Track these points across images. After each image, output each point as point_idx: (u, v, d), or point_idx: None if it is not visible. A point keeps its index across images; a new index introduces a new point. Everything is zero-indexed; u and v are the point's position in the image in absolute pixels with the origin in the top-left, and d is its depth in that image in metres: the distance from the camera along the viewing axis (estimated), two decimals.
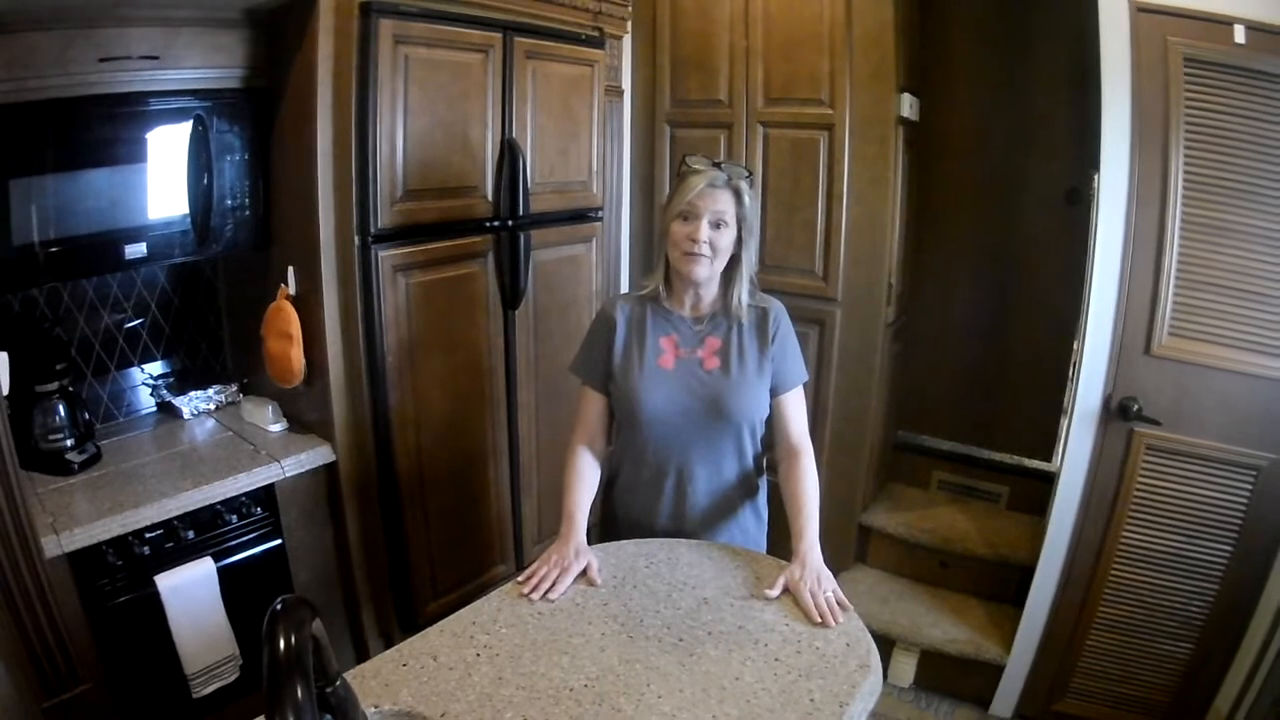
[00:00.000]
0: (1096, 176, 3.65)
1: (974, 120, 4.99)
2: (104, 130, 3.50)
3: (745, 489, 2.89)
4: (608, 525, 3.07)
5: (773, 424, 2.88)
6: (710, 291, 2.83)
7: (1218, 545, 3.68)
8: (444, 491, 4.09)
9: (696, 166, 2.73)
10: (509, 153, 4.00)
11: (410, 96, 3.60)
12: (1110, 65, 3.53)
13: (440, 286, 3.89)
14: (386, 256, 3.63)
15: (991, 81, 4.93)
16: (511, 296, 4.19)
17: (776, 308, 2.86)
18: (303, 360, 3.69)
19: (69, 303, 3.79)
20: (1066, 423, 4.00)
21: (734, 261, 2.77)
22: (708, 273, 2.73)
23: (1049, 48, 4.69)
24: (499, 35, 3.88)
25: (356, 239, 3.58)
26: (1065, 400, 4.27)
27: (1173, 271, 3.53)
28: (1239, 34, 3.33)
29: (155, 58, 3.56)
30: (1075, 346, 3.92)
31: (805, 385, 2.92)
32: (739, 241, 2.74)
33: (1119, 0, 3.47)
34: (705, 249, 2.66)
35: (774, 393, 2.81)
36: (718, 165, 2.73)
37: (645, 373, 2.76)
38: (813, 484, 2.75)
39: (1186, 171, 3.47)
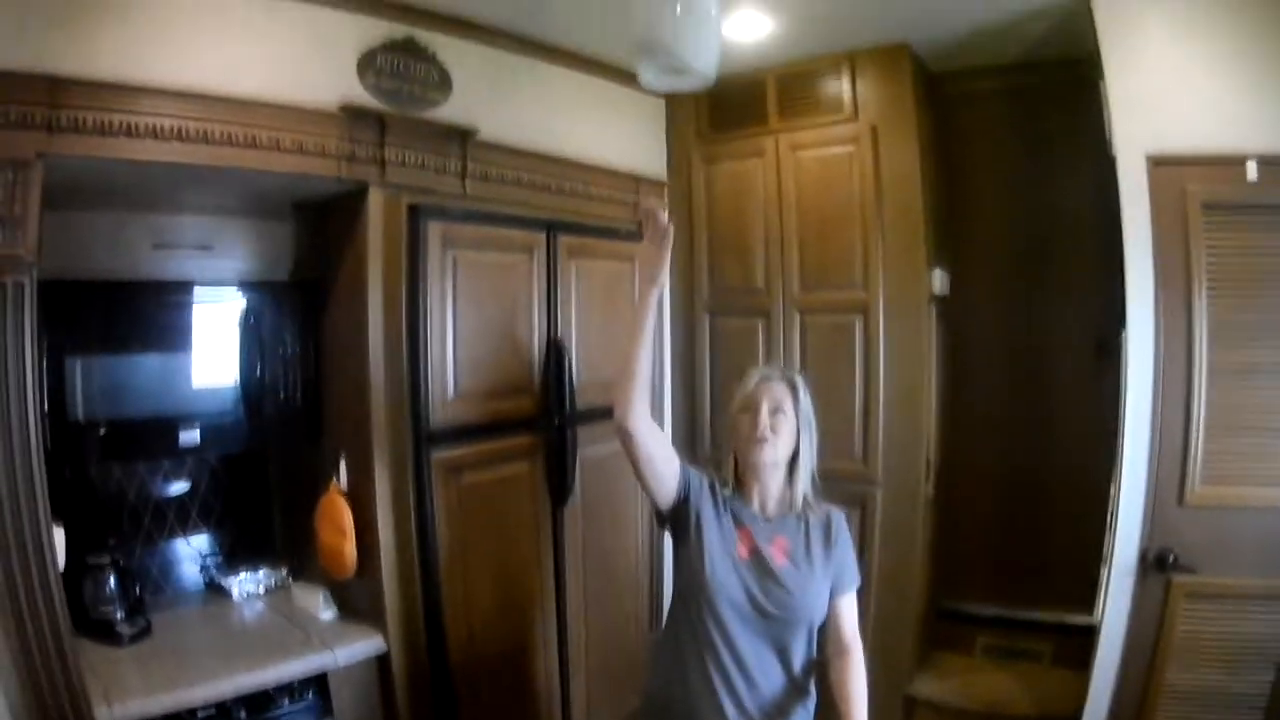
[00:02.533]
0: (1124, 329, 3.96)
1: (1003, 282, 5.40)
2: (157, 315, 3.97)
3: (798, 688, 3.07)
4: (651, 716, 3.26)
5: (826, 623, 3.15)
6: (776, 485, 3.17)
7: (1260, 677, 3.84)
8: (495, 679, 4.35)
9: (755, 368, 3.23)
10: (555, 351, 4.51)
11: (459, 297, 4.09)
12: (1130, 220, 3.92)
13: (490, 485, 4.30)
14: (439, 458, 4.06)
15: (1019, 243, 5.34)
16: (559, 493, 4.62)
17: (838, 515, 3.21)
18: (355, 554, 4.04)
19: (119, 473, 4.15)
20: (1106, 572, 4.18)
21: (795, 458, 3.15)
22: (772, 456, 3.10)
23: (1072, 206, 5.10)
24: (543, 235, 4.44)
25: (410, 440, 4.01)
26: (1105, 548, 4.44)
27: (1202, 419, 3.83)
28: (1251, 171, 3.74)
29: (208, 247, 4.09)
30: (1112, 492, 4.15)
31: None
32: (798, 437, 3.14)
33: (1135, 155, 3.93)
34: (766, 432, 3.06)
35: (831, 595, 3.11)
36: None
37: (723, 553, 3.05)
38: (863, 681, 3.05)
39: (1211, 316, 3.82)
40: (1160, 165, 3.93)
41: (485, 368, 4.25)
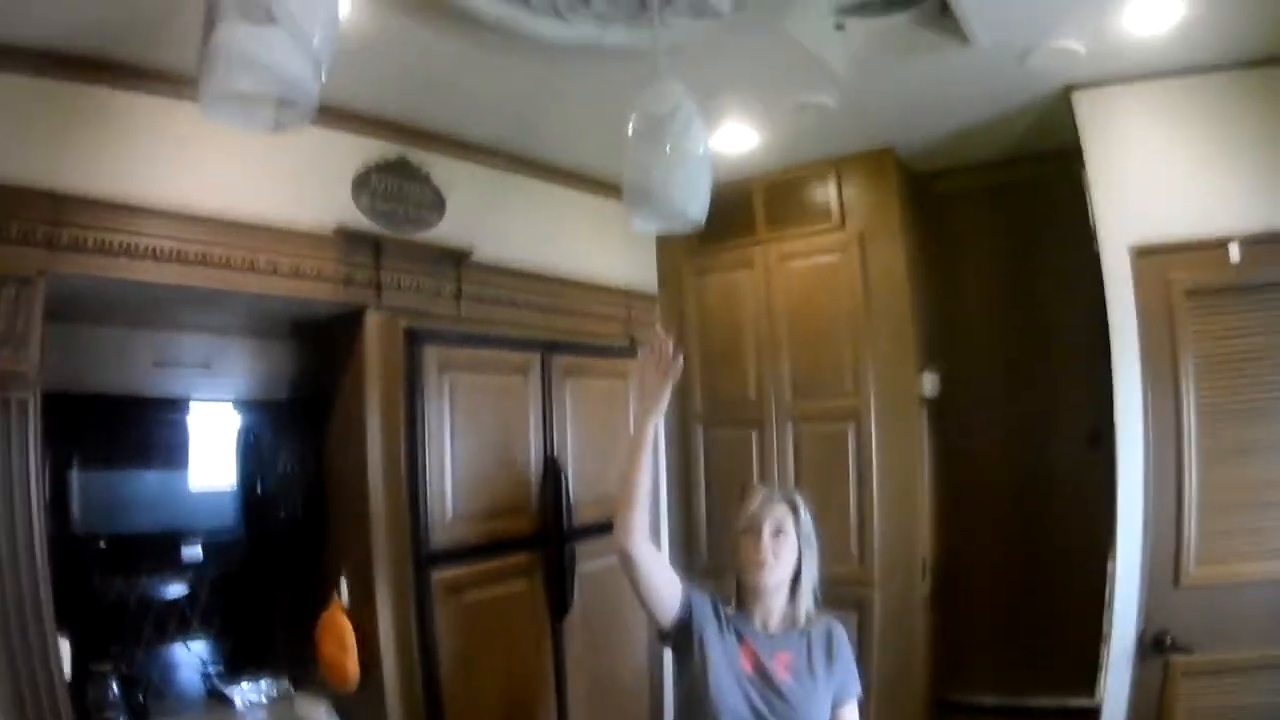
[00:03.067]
0: (1114, 416, 4.07)
1: (995, 375, 5.52)
2: (158, 431, 4.07)
3: None
4: None
5: None
6: (779, 603, 3.25)
7: None
8: None
9: (755, 487, 3.35)
10: (552, 470, 4.61)
11: (457, 419, 4.22)
12: (1116, 311, 4.08)
13: (491, 602, 4.38)
14: (440, 578, 4.15)
15: (1009, 336, 5.48)
16: (560, 608, 4.70)
17: (838, 627, 3.29)
18: (357, 669, 4.08)
19: (121, 582, 4.13)
20: (1106, 654, 4.23)
21: (798, 575, 3.24)
22: (774, 579, 3.19)
23: (1060, 296, 5.22)
24: (538, 356, 4.58)
25: (411, 560, 4.10)
26: (1104, 630, 4.47)
27: (1194, 501, 3.92)
28: (1234, 253, 3.87)
29: (208, 365, 4.20)
30: (1109, 569, 4.23)
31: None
32: (799, 556, 3.24)
33: (1119, 248, 4.09)
34: (769, 556, 3.15)
35: (833, 706, 3.19)
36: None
37: (726, 668, 3.12)
38: None
39: (1200, 400, 3.95)
40: (1144, 255, 4.09)
41: (484, 488, 4.36)
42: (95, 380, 3.89)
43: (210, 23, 2.00)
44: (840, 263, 5.22)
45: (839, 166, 5.23)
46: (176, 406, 4.18)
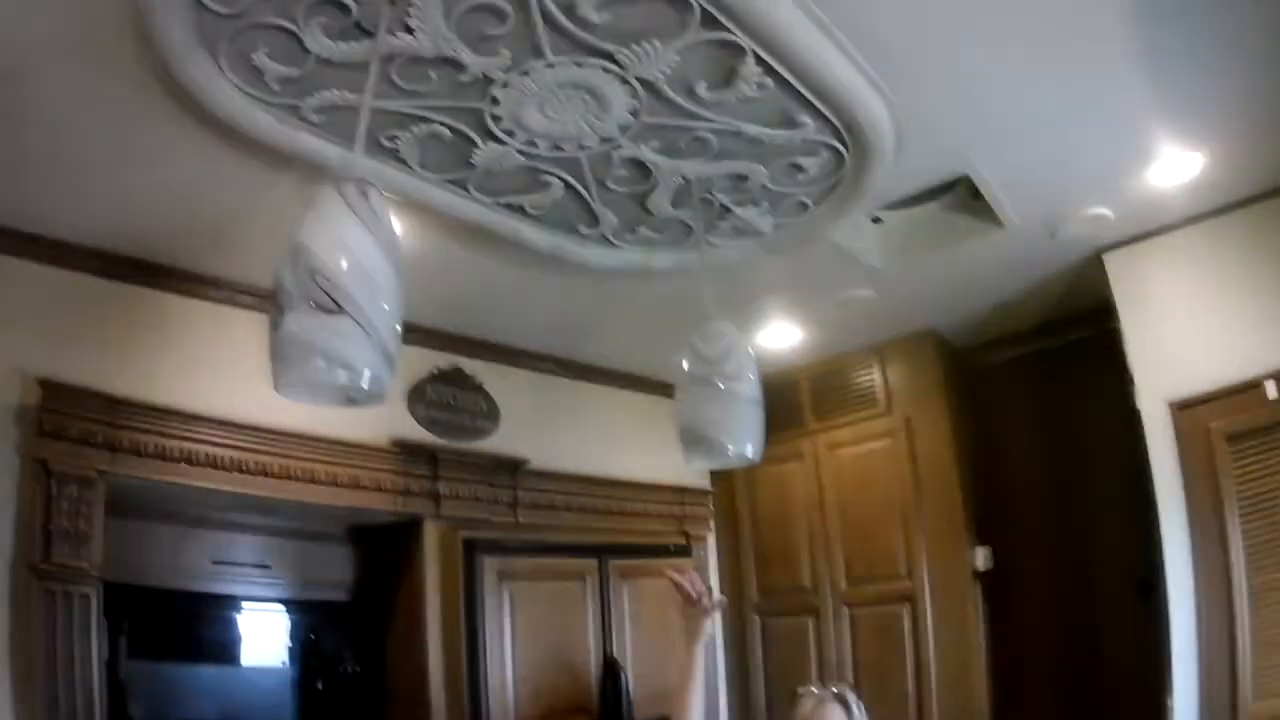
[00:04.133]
0: (1163, 566, 3.93)
1: (1043, 539, 5.30)
2: (215, 627, 4.02)
3: None
4: None
5: None
6: None
7: None
8: None
9: (805, 690, 3.21)
10: (611, 670, 4.50)
11: (517, 625, 4.14)
12: (1159, 465, 3.98)
13: None
14: None
15: (1055, 499, 5.30)
16: None
17: None
18: None
19: None
20: None
21: None
22: None
23: (1102, 453, 5.03)
24: (595, 561, 4.52)
25: None
26: None
27: (1248, 640, 3.73)
28: (1271, 390, 3.77)
29: (265, 566, 4.15)
30: (1168, 705, 4.01)
31: None
32: None
33: (1158, 404, 4.00)
34: None
35: None
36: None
37: None
38: None
39: (1247, 539, 3.78)
40: (1183, 409, 4.00)
41: (545, 690, 4.26)
42: (153, 574, 3.86)
43: (279, 310, 1.99)
44: (889, 448, 5.16)
45: (882, 352, 5.22)
46: (234, 604, 4.14)
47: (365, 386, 1.99)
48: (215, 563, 4.08)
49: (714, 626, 3.11)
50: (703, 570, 5.39)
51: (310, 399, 2.21)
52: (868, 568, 5.20)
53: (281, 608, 4.29)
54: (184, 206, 3.36)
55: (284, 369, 1.98)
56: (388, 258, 2.06)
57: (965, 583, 4.99)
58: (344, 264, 1.98)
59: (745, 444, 3.01)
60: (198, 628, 4.04)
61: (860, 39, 2.66)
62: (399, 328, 2.08)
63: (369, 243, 2.03)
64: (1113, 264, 4.26)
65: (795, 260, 3.95)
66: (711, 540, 5.66)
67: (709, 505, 5.57)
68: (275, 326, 1.98)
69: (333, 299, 1.94)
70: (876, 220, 4.00)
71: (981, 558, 5.09)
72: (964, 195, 3.80)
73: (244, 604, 4.18)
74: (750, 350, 3.11)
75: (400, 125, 2.93)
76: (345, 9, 2.41)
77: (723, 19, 2.47)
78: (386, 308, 2.03)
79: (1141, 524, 4.24)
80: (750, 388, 3.03)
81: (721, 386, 2.98)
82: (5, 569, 3.13)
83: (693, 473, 5.51)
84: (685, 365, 3.06)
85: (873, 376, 5.28)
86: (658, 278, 3.90)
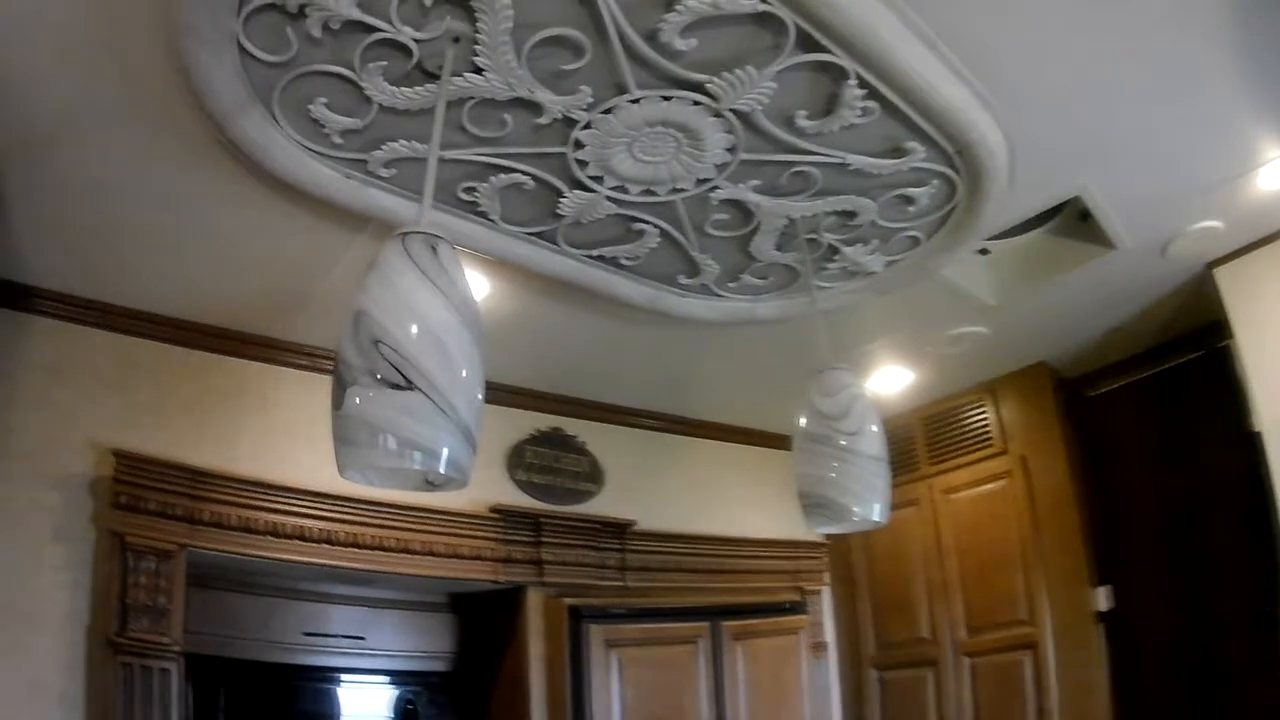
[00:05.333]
0: None
1: (1162, 571, 4.88)
2: (311, 701, 3.86)
3: None
4: None
5: None
6: None
7: None
8: None
9: None
10: None
11: (625, 695, 3.91)
12: None
13: None
14: None
15: (1171, 530, 4.86)
16: None
17: None
18: None
19: None
20: None
21: None
22: None
23: (1218, 479, 4.62)
24: (706, 624, 4.24)
25: None
26: None
27: None
28: None
29: (360, 637, 3.97)
30: None
31: None
32: None
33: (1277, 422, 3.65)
34: None
35: None
36: None
37: None
38: None
39: None
40: None
41: None
42: (242, 647, 3.73)
43: (340, 387, 1.73)
44: (1006, 488, 4.83)
45: (994, 389, 4.91)
46: (327, 676, 3.98)
47: (442, 470, 1.70)
48: (306, 634, 3.91)
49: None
50: (818, 626, 5.11)
51: (382, 484, 1.93)
52: (988, 615, 4.84)
53: (379, 679, 4.10)
54: (258, 271, 3.22)
55: (348, 453, 1.71)
56: (463, 321, 1.80)
57: (1087, 625, 4.62)
58: (412, 330, 1.73)
59: (872, 506, 2.66)
60: (292, 701, 3.88)
61: (968, 54, 2.38)
62: (480, 397, 1.82)
63: (439, 305, 1.77)
64: (1224, 277, 3.91)
65: (905, 299, 3.65)
66: (827, 594, 5.33)
67: (824, 558, 5.25)
68: (337, 405, 1.72)
69: (400, 372, 1.68)
70: (984, 252, 3.70)
71: (1103, 597, 4.72)
72: (1070, 218, 3.53)
73: (340, 676, 4.01)
74: (871, 401, 2.77)
75: (478, 176, 2.70)
76: (405, 50, 2.19)
77: (821, 38, 2.20)
78: (464, 377, 1.76)
79: (1263, 553, 4.00)
80: (874, 443, 2.69)
81: (843, 444, 2.65)
82: (81, 642, 3.01)
83: (804, 525, 5.17)
84: (802, 422, 2.74)
85: (986, 415, 4.95)
86: (764, 326, 3.64)
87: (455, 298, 1.79)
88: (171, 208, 2.85)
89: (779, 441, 4.93)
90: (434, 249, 1.83)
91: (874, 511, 2.67)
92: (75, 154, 2.61)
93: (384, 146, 2.53)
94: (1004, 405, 4.90)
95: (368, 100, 2.35)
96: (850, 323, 3.73)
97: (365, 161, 2.59)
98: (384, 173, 2.63)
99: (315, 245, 3.00)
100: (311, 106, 2.38)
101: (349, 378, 1.71)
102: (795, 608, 4.71)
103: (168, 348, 3.46)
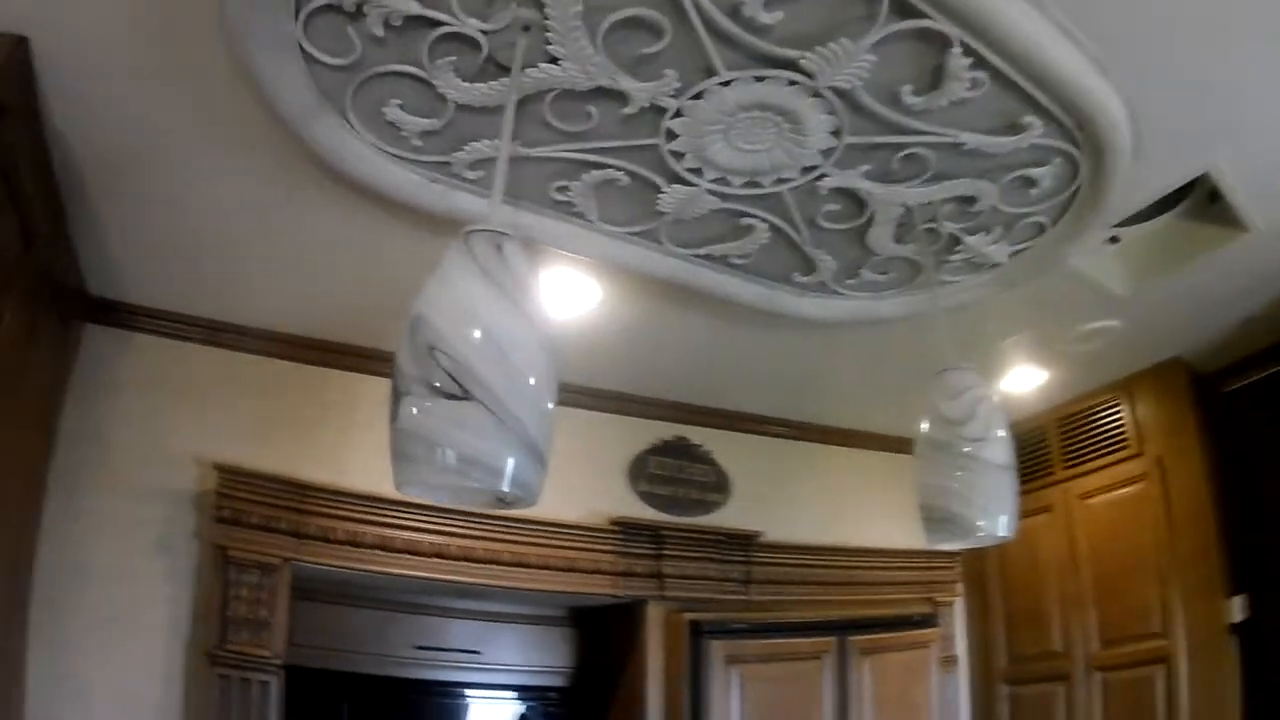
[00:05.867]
0: None
1: None
2: (424, 715, 3.78)
3: None
4: None
5: None
6: None
7: None
8: None
9: None
10: None
11: (745, 713, 3.70)
12: None
13: None
14: None
15: None
16: None
17: None
18: None
19: None
20: None
21: None
22: None
23: None
24: (833, 639, 4.00)
25: None
26: None
27: None
28: None
29: (476, 652, 3.86)
30: None
31: None
32: None
33: None
34: None
35: None
36: None
37: None
38: None
39: None
40: None
41: None
42: (352, 660, 3.65)
43: (396, 398, 1.53)
44: (1141, 493, 4.45)
45: (1129, 387, 4.54)
46: (441, 691, 3.87)
47: (505, 489, 1.48)
48: (420, 648, 3.81)
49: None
50: (949, 639, 4.82)
51: (452, 500, 1.79)
52: (1121, 627, 4.48)
53: (497, 693, 3.98)
54: (357, 281, 3.12)
55: (405, 469, 1.52)
56: (530, 325, 1.58)
57: (1221, 637, 4.22)
58: (472, 336, 1.51)
59: (997, 519, 2.37)
60: (407, 715, 3.79)
61: (1079, 14, 2.07)
62: (550, 408, 1.59)
63: (502, 307, 1.56)
64: None
65: (1033, 294, 3.35)
66: (959, 606, 5.03)
67: (957, 568, 4.94)
68: (394, 417, 1.53)
69: (457, 381, 1.47)
70: (1113, 240, 3.35)
71: (1238, 608, 4.32)
72: (1200, 200, 3.17)
73: (456, 690, 3.91)
74: (999, 404, 2.47)
75: (569, 174, 2.49)
76: (474, 44, 2.01)
77: (916, 2, 1.93)
78: (531, 385, 1.54)
79: None
80: (1001, 451, 2.39)
81: (967, 450, 2.36)
82: (179, 655, 2.99)
83: None
84: (924, 428, 2.47)
85: (1122, 415, 4.57)
86: (888, 326, 3.37)
87: (521, 300, 1.58)
88: (261, 220, 2.75)
89: (909, 447, 4.56)
90: (499, 247, 1.62)
91: (999, 526, 2.37)
92: (160, 171, 2.53)
93: (466, 147, 2.34)
94: (1139, 404, 4.54)
95: (443, 99, 2.17)
96: (977, 320, 3.45)
97: (449, 164, 2.41)
98: (469, 175, 2.45)
99: (411, 253, 2.82)
100: (385, 109, 2.21)
101: (404, 388, 1.51)
102: (926, 620, 4.44)
103: (272, 361, 3.39)
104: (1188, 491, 4.32)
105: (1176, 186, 2.91)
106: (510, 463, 1.47)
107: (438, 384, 1.46)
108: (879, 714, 4.13)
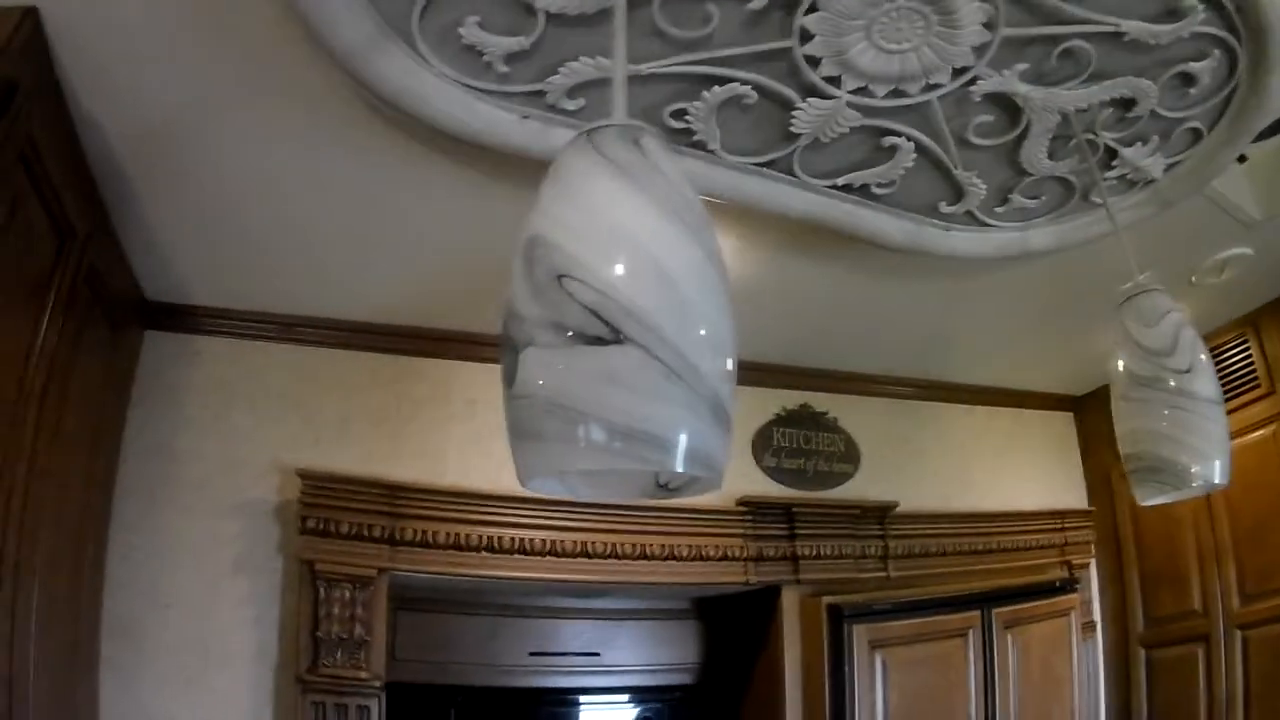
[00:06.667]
0: None
1: None
2: None
3: None
4: None
5: None
6: None
7: None
8: None
9: None
10: None
11: (890, 700, 3.34)
12: None
13: None
14: None
15: None
16: None
17: None
18: None
19: None
20: None
21: None
22: None
23: None
24: (977, 612, 3.64)
25: None
26: None
27: None
28: None
29: (595, 654, 3.52)
30: None
31: None
32: None
33: None
34: None
35: None
36: None
37: None
38: None
39: None
40: None
41: None
42: (461, 672, 3.34)
43: (511, 354, 1.02)
44: (1276, 434, 3.99)
45: (1256, 321, 4.08)
46: (558, 698, 3.54)
47: (679, 467, 0.96)
48: (534, 654, 3.45)
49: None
50: (1087, 604, 4.40)
51: (590, 495, 1.23)
52: (1262, 580, 4.03)
53: (618, 697, 3.64)
54: (439, 255, 2.73)
55: (531, 453, 1.01)
56: (698, 244, 1.05)
57: None
58: (617, 254, 1.01)
59: (1212, 464, 1.90)
60: None
61: None
62: (733, 351, 1.06)
63: (658, 217, 1.04)
64: None
65: (1165, 222, 2.88)
66: (1093, 568, 4.58)
67: (1091, 526, 4.49)
68: (509, 380, 1.02)
69: (601, 318, 0.95)
70: (1243, 159, 2.90)
71: None
72: None
73: (574, 697, 3.56)
74: (1195, 329, 2.00)
75: (687, 94, 2.02)
76: None
77: None
78: (710, 321, 1.02)
79: None
80: (1209, 382, 1.92)
81: (1174, 385, 1.91)
82: (269, 681, 2.70)
83: (1070, 492, 4.54)
84: (1120, 364, 2.01)
85: (1250, 352, 4.11)
86: (1032, 263, 2.93)
87: (682, 210, 1.06)
88: (325, 190, 2.38)
89: (1041, 401, 4.34)
90: (637, 142, 1.11)
91: (1215, 471, 1.92)
92: (206, 146, 2.16)
93: (563, 69, 1.88)
94: (1267, 339, 4.06)
95: (530, 10, 1.74)
96: (1106, 254, 2.91)
97: (543, 93, 1.95)
98: (568, 104, 1.98)
99: (499, 215, 2.43)
100: (463, 29, 1.77)
101: (523, 337, 1.00)
102: (1065, 586, 4.01)
103: (352, 354, 3.07)
104: None
105: None
106: (687, 430, 0.96)
107: (571, 327, 0.96)
108: (1024, 690, 3.74)
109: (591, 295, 0.95)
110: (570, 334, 0.95)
